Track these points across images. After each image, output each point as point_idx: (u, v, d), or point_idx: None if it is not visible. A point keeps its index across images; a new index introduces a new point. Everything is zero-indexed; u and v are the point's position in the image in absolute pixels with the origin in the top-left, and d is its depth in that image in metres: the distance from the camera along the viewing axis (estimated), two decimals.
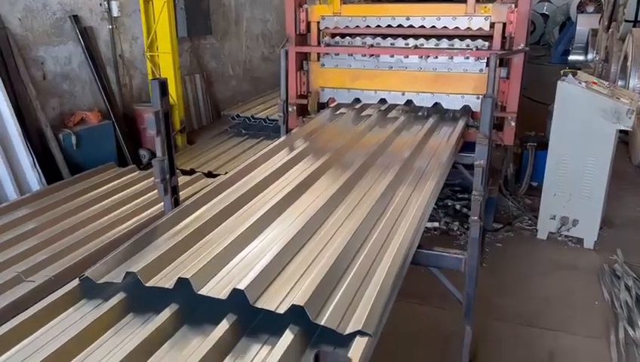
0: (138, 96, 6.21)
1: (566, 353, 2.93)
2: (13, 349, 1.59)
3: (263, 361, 1.51)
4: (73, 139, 4.95)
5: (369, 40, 4.20)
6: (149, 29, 5.98)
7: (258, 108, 7.00)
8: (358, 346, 1.48)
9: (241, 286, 1.66)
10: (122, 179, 4.78)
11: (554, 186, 4.17)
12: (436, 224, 4.52)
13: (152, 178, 4.93)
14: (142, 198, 4.47)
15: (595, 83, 4.13)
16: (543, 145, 4.70)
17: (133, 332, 1.69)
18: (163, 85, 2.57)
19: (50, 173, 4.66)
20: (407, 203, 2.56)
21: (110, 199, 4.38)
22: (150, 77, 6.26)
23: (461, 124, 3.97)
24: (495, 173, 4.70)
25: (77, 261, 3.33)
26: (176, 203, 2.83)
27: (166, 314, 1.72)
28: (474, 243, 2.39)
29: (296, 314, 1.59)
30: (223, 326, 1.63)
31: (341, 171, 2.97)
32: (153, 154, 5.88)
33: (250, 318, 1.70)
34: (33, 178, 4.45)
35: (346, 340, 1.53)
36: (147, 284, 1.83)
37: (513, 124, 4.09)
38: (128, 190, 4.57)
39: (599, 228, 4.19)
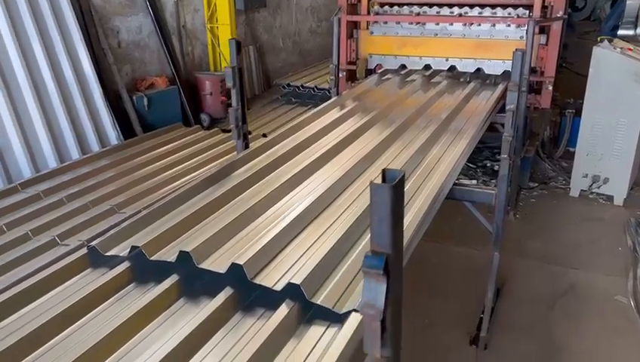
0: (199, 65, 6.78)
1: (586, 285, 3.33)
2: (22, 310, 1.67)
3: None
4: (145, 101, 5.56)
5: (416, 9, 4.58)
6: (210, 1, 6.51)
7: (306, 78, 7.47)
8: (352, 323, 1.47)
9: (241, 260, 1.66)
10: (188, 137, 5.36)
11: (587, 146, 4.49)
12: (474, 182, 4.90)
13: (215, 137, 5.53)
14: (205, 154, 5.02)
15: (630, 49, 4.40)
16: (581, 113, 4.99)
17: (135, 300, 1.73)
18: (239, 44, 3.08)
19: (125, 130, 5.28)
20: (441, 157, 2.85)
21: (178, 154, 4.95)
22: (210, 47, 6.81)
23: (500, 87, 4.31)
24: (533, 136, 5.03)
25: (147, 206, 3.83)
26: (246, 146, 3.36)
27: (168, 283, 1.76)
28: (503, 179, 2.81)
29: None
30: (221, 297, 1.66)
31: (382, 129, 3.33)
32: (213, 119, 6.51)
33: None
34: (113, 134, 5.08)
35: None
36: (152, 258, 1.86)
37: (550, 88, 4.41)
38: (193, 147, 5.14)
39: (630, 187, 4.49)
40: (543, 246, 3.80)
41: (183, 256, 1.77)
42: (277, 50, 8.52)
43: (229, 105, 6.33)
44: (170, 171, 4.58)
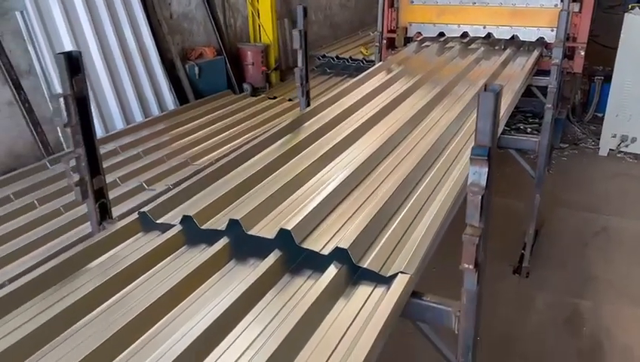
0: (240, 37, 7.17)
1: (617, 228, 3.72)
2: (77, 272, 1.78)
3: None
4: (196, 69, 5.98)
5: None
6: None
7: (339, 50, 7.82)
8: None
9: (289, 226, 1.74)
10: (238, 103, 5.79)
11: (616, 108, 4.83)
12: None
13: (263, 103, 5.92)
14: (254, 118, 5.44)
15: None
16: (609, 79, 5.30)
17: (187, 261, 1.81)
18: (305, 10, 3.47)
19: (179, 96, 5.72)
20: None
21: (230, 118, 5.38)
22: (250, 19, 7.19)
23: (535, 54, 4.65)
24: (564, 100, 5.37)
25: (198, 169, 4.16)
26: (308, 104, 3.78)
27: (219, 246, 1.84)
28: (547, 127, 3.19)
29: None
30: (271, 259, 1.73)
31: (422, 95, 3.64)
32: (254, 88, 6.91)
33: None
34: (170, 99, 5.52)
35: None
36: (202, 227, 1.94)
37: (582, 53, 4.73)
38: (244, 112, 5.57)
39: None
40: (576, 197, 4.19)
41: (233, 223, 1.85)
42: (309, 23, 8.84)
43: (268, 74, 6.76)
44: (222, 135, 4.97)
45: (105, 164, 4.07)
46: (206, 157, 4.34)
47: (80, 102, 2.17)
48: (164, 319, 1.52)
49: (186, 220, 1.96)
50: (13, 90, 4.33)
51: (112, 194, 3.64)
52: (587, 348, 2.72)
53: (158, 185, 3.75)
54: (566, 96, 5.48)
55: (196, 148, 4.56)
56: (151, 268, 1.76)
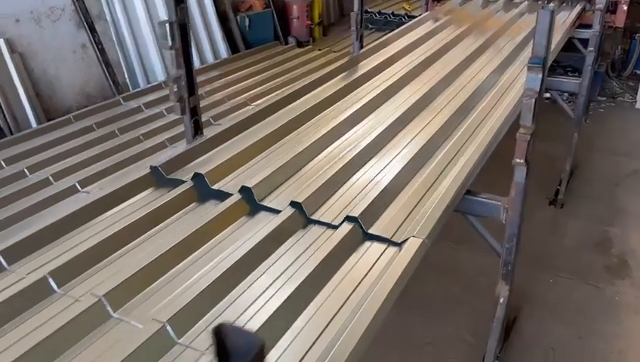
0: None
1: None
2: (92, 221, 1.97)
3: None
4: (247, 21, 6.32)
5: None
6: None
7: (381, 6, 8.04)
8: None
9: (299, 198, 1.93)
10: (286, 53, 6.13)
11: None
12: (547, 95, 5.52)
13: (308, 54, 6.25)
14: (303, 67, 5.77)
15: None
16: None
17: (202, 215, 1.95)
18: None
19: (230, 46, 6.07)
20: (517, 77, 3.39)
21: (280, 67, 5.73)
22: None
23: (578, 7, 4.85)
24: (604, 55, 5.56)
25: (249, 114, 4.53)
26: (361, 47, 4.11)
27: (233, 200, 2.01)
28: (588, 69, 3.47)
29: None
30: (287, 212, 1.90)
31: (466, 47, 3.94)
32: (298, 42, 7.22)
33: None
34: (223, 48, 5.89)
35: None
36: (213, 187, 2.13)
37: (625, 8, 4.92)
38: (291, 61, 5.90)
39: None
40: (611, 144, 4.47)
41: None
42: None
43: (312, 29, 7.07)
44: (272, 82, 5.30)
45: (171, 103, 4.53)
46: (263, 99, 4.72)
47: (182, 28, 2.57)
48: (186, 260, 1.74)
49: (198, 180, 2.16)
50: (89, 32, 4.75)
51: (178, 130, 4.08)
52: (614, 265, 3.08)
53: (223, 121, 4.15)
54: (606, 51, 5.67)
55: (252, 91, 4.94)
56: (166, 218, 1.96)
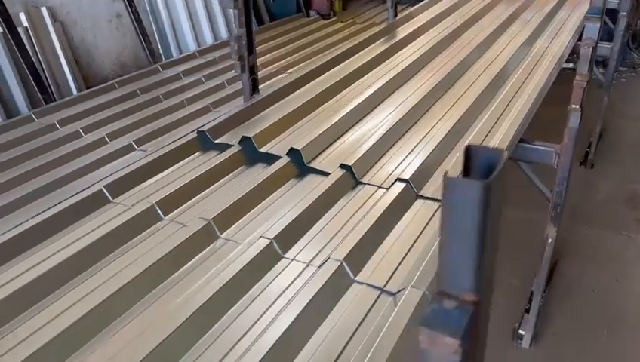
0: None
1: None
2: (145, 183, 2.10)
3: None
4: None
5: None
6: None
7: None
8: None
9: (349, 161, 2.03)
10: (310, 25, 6.26)
11: None
12: (571, 65, 5.66)
13: (332, 26, 6.37)
14: (330, 38, 5.91)
15: None
16: None
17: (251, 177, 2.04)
18: None
19: (255, 18, 6.21)
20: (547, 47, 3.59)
21: (308, 37, 5.86)
22: None
23: None
24: (628, 25, 5.69)
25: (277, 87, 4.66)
26: (395, 15, 4.26)
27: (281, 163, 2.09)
28: (619, 34, 3.62)
29: None
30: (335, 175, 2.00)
31: (491, 20, 4.07)
32: (321, 15, 7.33)
33: None
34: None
35: None
36: (261, 150, 2.19)
37: None
38: (318, 32, 6.04)
39: None
40: (634, 111, 4.64)
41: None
42: None
43: (332, 2, 7.20)
44: (308, 49, 5.44)
45: (208, 71, 4.70)
46: (295, 68, 4.88)
47: None
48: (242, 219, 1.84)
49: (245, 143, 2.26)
50: (125, 1, 4.89)
51: (222, 94, 4.25)
52: None
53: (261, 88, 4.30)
54: (628, 23, 5.79)
55: (283, 61, 5.10)
56: (216, 181, 2.05)
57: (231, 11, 5.95)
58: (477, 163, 0.67)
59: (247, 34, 2.81)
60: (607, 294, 2.71)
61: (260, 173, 2.04)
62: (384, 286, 1.51)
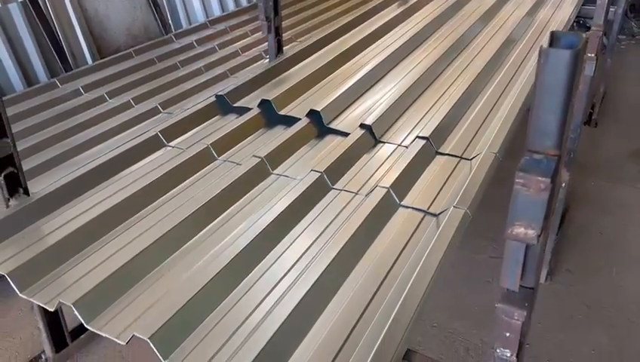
0: None
1: None
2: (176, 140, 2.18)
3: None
4: None
5: None
6: None
7: None
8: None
9: (369, 121, 2.10)
10: None
11: None
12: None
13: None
14: (337, 8, 5.97)
15: None
16: None
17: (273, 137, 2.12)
18: None
19: None
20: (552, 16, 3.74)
21: (315, 8, 5.90)
22: None
23: None
24: None
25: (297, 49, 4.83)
26: None
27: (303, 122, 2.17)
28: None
29: None
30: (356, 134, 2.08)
31: None
32: None
33: None
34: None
35: None
36: (280, 112, 2.23)
37: None
38: (325, 2, 6.10)
39: None
40: (633, 75, 4.83)
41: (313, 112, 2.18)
42: None
43: None
44: (316, 19, 5.49)
45: (220, 40, 4.80)
46: (306, 36, 4.99)
47: None
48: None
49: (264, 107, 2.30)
50: None
51: (237, 61, 4.37)
52: None
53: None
54: None
55: (294, 30, 5.18)
56: (239, 141, 2.13)
57: None
58: (558, 45, 0.83)
59: None
60: (614, 237, 2.91)
61: (282, 133, 2.13)
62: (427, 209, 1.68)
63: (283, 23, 5.32)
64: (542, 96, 0.81)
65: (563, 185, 2.58)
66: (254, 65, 4.32)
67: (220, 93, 2.30)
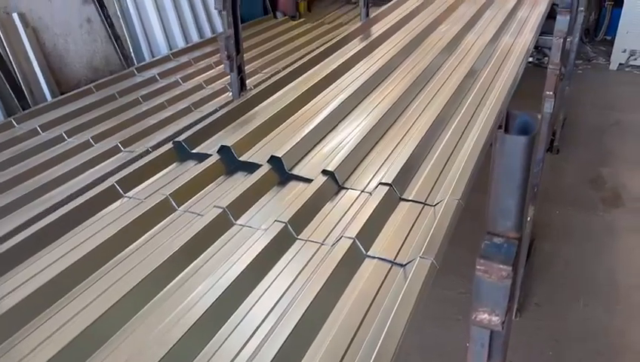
0: None
1: (628, 121, 4.52)
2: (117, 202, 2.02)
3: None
4: None
5: None
6: None
7: None
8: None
9: (331, 167, 2.01)
10: (281, 26, 6.39)
11: (627, 26, 5.53)
12: (530, 58, 5.99)
13: (302, 26, 6.50)
14: (300, 38, 6.03)
15: None
16: (618, 4, 5.96)
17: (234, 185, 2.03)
18: None
19: None
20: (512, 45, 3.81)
21: (279, 38, 5.95)
22: None
23: None
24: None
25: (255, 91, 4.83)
26: (367, 14, 4.43)
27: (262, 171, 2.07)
28: (577, 27, 3.88)
29: None
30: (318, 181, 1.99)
31: (455, 21, 4.26)
32: (288, 16, 7.45)
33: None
34: (219, 22, 6.08)
35: None
36: (240, 159, 2.14)
37: None
38: (288, 34, 6.16)
39: None
40: (592, 99, 4.98)
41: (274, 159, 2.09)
42: None
43: (298, 3, 7.36)
44: (281, 49, 5.54)
45: (183, 73, 4.75)
46: (271, 67, 4.99)
47: None
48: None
49: (224, 153, 2.17)
50: (97, 6, 4.89)
51: (201, 94, 4.32)
52: (609, 197, 3.55)
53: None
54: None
55: (259, 60, 5.20)
56: (196, 193, 2.02)
57: (202, 14, 6.04)
58: (514, 125, 0.82)
59: (235, 34, 2.91)
60: (580, 267, 2.95)
61: (243, 180, 2.05)
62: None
63: (249, 54, 5.35)
64: (499, 179, 0.79)
65: (528, 219, 2.59)
66: (219, 98, 4.28)
67: (177, 140, 2.24)
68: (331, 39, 3.92)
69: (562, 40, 2.21)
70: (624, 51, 5.66)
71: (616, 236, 3.21)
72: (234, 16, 2.89)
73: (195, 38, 5.85)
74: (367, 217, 1.81)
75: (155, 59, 5.14)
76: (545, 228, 3.24)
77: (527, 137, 0.75)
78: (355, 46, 3.68)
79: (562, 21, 2.18)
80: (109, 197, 2.01)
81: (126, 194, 2.04)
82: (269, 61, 5.17)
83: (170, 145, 2.26)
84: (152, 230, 1.87)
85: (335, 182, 2.04)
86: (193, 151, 2.26)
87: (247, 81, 4.71)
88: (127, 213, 1.92)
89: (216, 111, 2.80)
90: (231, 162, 2.20)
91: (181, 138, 2.27)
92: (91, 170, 3.27)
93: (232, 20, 2.88)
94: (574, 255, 3.04)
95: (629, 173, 3.83)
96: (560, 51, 2.23)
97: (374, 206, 1.86)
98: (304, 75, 3.21)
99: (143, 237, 1.85)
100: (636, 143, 4.34)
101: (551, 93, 2.28)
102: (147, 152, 3.40)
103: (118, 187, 2.04)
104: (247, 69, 4.89)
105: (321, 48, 3.67)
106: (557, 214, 3.41)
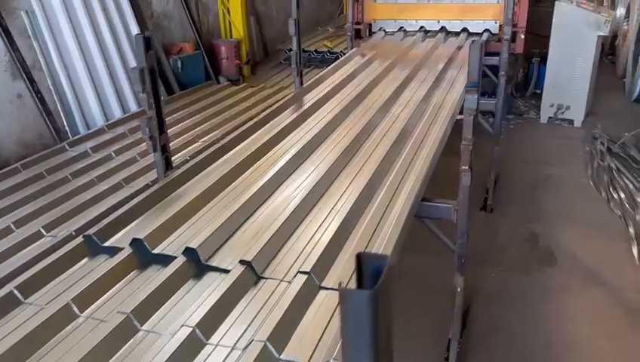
0: (212, 33, 7.76)
1: (558, 175, 4.66)
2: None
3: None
4: (179, 63, 6.54)
5: None
6: None
7: (303, 44, 8.51)
8: None
9: (249, 256, 1.91)
10: (222, 92, 6.41)
11: (553, 82, 5.81)
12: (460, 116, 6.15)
13: (244, 91, 6.54)
14: (241, 104, 6.05)
15: (584, 3, 5.71)
16: (544, 60, 6.28)
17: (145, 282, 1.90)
18: (298, 1, 4.16)
19: (165, 89, 6.26)
20: (443, 102, 3.88)
21: (219, 105, 5.95)
22: (221, 17, 7.78)
23: (484, 36, 5.52)
24: (508, 78, 6.31)
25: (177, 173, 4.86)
26: (301, 83, 4.47)
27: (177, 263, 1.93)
28: (502, 89, 4.02)
29: None
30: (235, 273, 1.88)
31: (392, 79, 4.37)
32: (230, 80, 7.52)
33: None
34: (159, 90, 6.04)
35: None
36: (154, 251, 2.02)
37: (522, 36, 5.66)
38: (229, 99, 6.17)
39: (586, 115, 5.85)
40: (524, 154, 5.12)
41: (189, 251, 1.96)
42: (272, 20, 9.54)
43: (241, 67, 7.46)
44: (223, 115, 5.51)
45: (118, 145, 4.64)
46: (210, 135, 4.95)
47: (152, 73, 2.78)
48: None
49: (137, 246, 2.04)
50: (27, 82, 4.78)
51: (135, 168, 4.21)
52: (543, 256, 3.58)
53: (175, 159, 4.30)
54: (510, 75, 6.43)
55: (199, 128, 5.14)
56: (108, 290, 1.89)
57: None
58: (367, 269, 0.77)
59: (158, 114, 2.84)
60: (519, 333, 2.92)
61: (156, 276, 1.93)
62: None
63: (188, 121, 5.31)
64: (349, 338, 0.72)
65: (458, 290, 2.57)
66: (151, 172, 4.17)
67: (87, 233, 2.12)
68: (272, 104, 3.95)
69: (472, 117, 2.25)
70: (552, 105, 5.92)
71: (552, 297, 3.23)
72: (155, 98, 2.84)
73: (133, 107, 5.78)
74: (283, 312, 1.72)
75: (89, 132, 5.03)
76: (481, 292, 3.22)
77: (370, 293, 0.70)
78: (285, 118, 3.67)
79: (471, 100, 2.23)
80: (7, 305, 1.86)
81: (26, 301, 1.89)
82: (208, 129, 5.13)
83: (80, 238, 2.14)
84: (53, 340, 1.73)
85: (254, 272, 1.96)
86: (105, 244, 2.14)
87: (183, 152, 4.69)
88: (26, 322, 1.77)
89: (137, 194, 2.66)
90: (144, 255, 2.09)
91: (91, 231, 2.15)
92: (8, 260, 3.10)
93: (152, 102, 2.82)
94: (512, 320, 3.01)
95: (560, 230, 3.92)
96: (471, 128, 2.26)
97: (292, 297, 1.78)
98: (233, 150, 3.15)
99: (43, 348, 1.70)
100: (567, 198, 4.44)
101: (466, 167, 2.30)
102: (71, 236, 3.27)
103: (17, 292, 1.89)
104: (185, 138, 4.89)
105: (259, 117, 3.62)
106: (492, 276, 3.41)
